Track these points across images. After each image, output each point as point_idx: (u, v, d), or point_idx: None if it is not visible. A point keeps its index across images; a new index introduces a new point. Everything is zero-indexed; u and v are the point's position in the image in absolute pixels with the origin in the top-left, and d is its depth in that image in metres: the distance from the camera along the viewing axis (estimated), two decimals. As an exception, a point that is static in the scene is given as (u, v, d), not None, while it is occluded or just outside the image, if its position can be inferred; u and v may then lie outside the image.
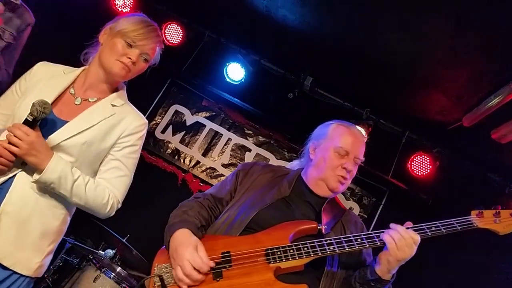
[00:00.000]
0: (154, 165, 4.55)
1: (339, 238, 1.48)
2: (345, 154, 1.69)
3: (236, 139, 4.68)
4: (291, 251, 1.46)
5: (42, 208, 1.58)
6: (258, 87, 4.25)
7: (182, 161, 4.63)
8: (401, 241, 1.39)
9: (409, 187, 4.00)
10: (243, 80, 4.15)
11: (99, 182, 1.69)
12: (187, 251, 1.45)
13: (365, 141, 1.81)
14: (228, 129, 4.71)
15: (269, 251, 1.47)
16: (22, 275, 1.56)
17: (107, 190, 1.68)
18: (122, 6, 4.03)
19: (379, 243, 1.46)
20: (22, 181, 1.55)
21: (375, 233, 1.49)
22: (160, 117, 4.75)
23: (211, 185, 4.43)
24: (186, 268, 1.43)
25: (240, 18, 3.74)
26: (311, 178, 1.73)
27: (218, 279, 1.43)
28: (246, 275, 1.42)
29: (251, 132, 4.70)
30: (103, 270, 2.93)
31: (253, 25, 3.71)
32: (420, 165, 3.89)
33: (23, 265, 1.55)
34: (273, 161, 4.50)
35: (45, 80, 1.68)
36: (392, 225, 1.47)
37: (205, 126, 4.72)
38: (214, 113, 4.76)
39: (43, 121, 1.54)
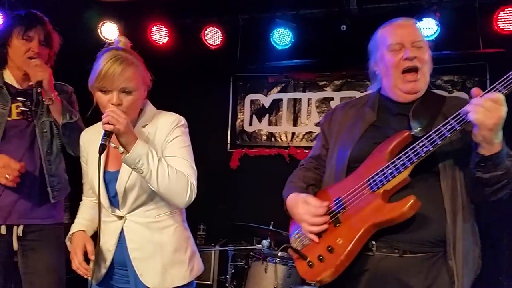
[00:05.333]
0: (259, 155, 4.77)
1: (430, 135, 1.42)
2: (400, 48, 1.59)
3: (315, 95, 4.71)
4: (389, 170, 1.45)
5: (158, 236, 1.74)
6: (310, 38, 4.20)
7: (279, 140, 4.80)
8: (482, 111, 1.29)
9: (506, 47, 3.68)
10: (293, 40, 4.14)
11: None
12: (300, 207, 1.59)
13: (413, 22, 1.67)
14: (303, 91, 4.76)
15: (371, 180, 1.49)
16: (182, 286, 1.76)
17: (185, 174, 1.68)
18: (160, 39, 4.26)
19: (466, 119, 1.35)
20: (130, 228, 1.73)
21: (461, 111, 1.37)
22: (241, 113, 4.97)
23: (316, 146, 4.54)
24: (307, 220, 1.56)
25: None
26: (388, 90, 1.67)
27: (337, 225, 1.52)
28: (359, 211, 1.47)
29: (325, 82, 4.69)
30: (267, 259, 3.21)
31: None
32: (508, 20, 3.54)
33: (178, 279, 1.75)
34: (360, 95, 4.44)
35: (93, 149, 1.73)
36: (470, 101, 1.36)
37: (282, 99, 4.83)
38: (283, 84, 4.83)
39: (107, 182, 1.71)
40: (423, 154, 1.41)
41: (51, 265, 2.10)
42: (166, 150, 1.72)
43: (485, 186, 1.44)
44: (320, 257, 1.51)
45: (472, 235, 1.50)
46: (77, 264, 1.68)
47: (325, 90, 4.69)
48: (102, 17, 4.08)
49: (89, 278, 1.72)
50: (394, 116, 1.63)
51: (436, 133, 1.41)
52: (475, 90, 1.36)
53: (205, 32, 4.24)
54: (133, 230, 1.73)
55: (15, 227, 2.06)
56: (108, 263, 1.75)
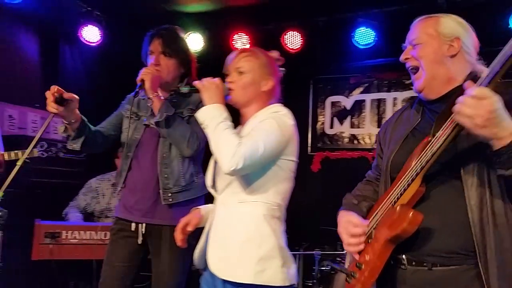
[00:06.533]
0: (341, 158, 4.69)
1: (431, 141, 1.29)
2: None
3: (401, 95, 4.52)
4: (403, 182, 1.38)
5: (232, 221, 1.71)
6: (394, 35, 4.04)
7: (362, 142, 4.67)
8: (465, 110, 1.13)
9: None
10: (376, 39, 4.02)
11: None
12: (340, 226, 1.60)
13: (420, 20, 1.55)
14: (388, 90, 4.58)
15: (391, 194, 1.44)
16: (242, 284, 1.63)
17: (237, 142, 1.64)
18: (242, 46, 4.38)
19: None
20: (218, 208, 1.77)
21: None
22: (322, 116, 4.91)
23: (402, 149, 4.35)
24: (344, 240, 1.56)
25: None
26: None
27: (369, 241, 1.51)
28: (383, 226, 1.45)
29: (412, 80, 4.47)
30: (354, 265, 3.13)
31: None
32: None
33: (238, 275, 1.63)
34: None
35: None
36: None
37: (364, 100, 4.70)
38: (366, 84, 4.70)
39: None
40: (425, 165, 1.31)
41: (168, 267, 2.19)
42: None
43: None
44: (352, 273, 1.54)
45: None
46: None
47: (412, 89, 4.46)
48: (188, 28, 4.30)
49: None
50: (436, 116, 1.47)
51: (436, 138, 1.28)
52: (467, 84, 1.17)
53: (285, 36, 4.29)
54: (218, 210, 1.77)
55: (139, 225, 2.22)
56: (203, 244, 1.78)
